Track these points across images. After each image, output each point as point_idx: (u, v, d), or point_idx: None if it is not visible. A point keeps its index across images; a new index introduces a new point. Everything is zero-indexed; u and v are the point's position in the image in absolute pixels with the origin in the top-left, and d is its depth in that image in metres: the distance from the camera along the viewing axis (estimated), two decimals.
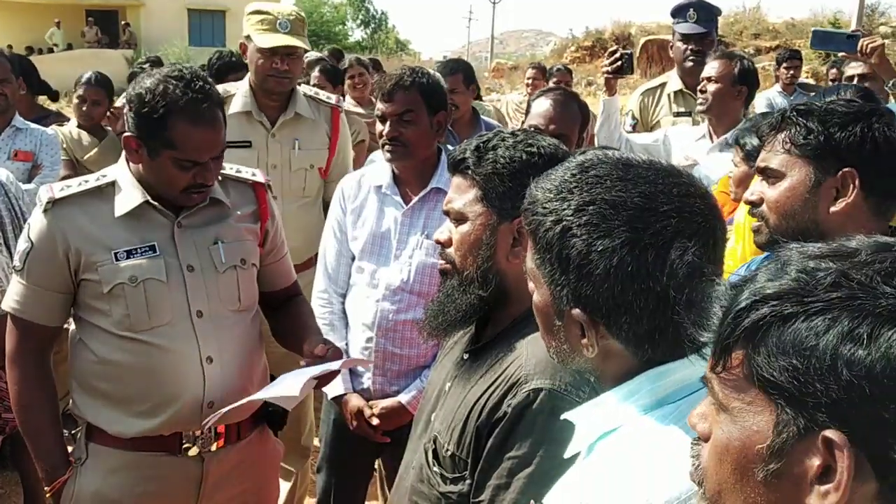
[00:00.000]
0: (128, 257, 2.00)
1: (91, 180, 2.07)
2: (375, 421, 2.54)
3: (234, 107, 3.24)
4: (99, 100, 4.67)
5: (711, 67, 3.39)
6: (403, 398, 2.55)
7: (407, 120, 2.50)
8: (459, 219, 1.59)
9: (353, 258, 2.67)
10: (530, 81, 7.11)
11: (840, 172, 1.63)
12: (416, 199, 2.56)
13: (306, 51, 3.38)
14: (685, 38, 3.82)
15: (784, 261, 0.77)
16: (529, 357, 1.44)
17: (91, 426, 2.10)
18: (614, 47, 3.53)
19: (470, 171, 1.58)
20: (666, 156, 3.48)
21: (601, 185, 1.12)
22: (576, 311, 1.12)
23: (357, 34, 50.18)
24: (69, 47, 28.59)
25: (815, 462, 0.71)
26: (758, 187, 1.75)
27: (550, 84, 6.33)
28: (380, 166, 2.71)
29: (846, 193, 1.64)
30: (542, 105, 2.73)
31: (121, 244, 2.01)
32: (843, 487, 0.70)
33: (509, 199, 1.53)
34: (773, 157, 1.71)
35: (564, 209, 1.12)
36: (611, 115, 3.51)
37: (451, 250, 1.61)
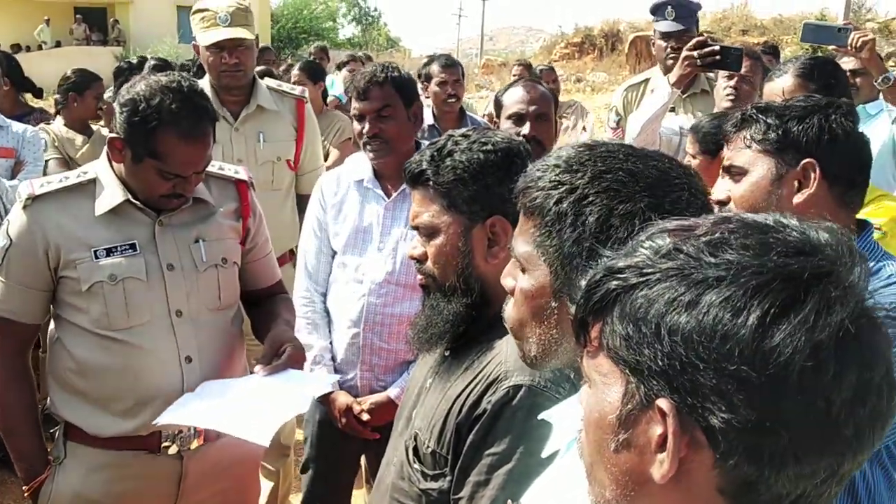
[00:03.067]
0: (107, 255, 1.99)
1: (72, 177, 2.06)
2: (365, 416, 2.53)
3: None
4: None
5: (747, 67, 3.29)
6: (392, 393, 2.55)
7: (385, 115, 2.51)
8: (431, 232, 1.58)
9: (334, 255, 2.66)
10: (516, 77, 7.11)
11: (801, 164, 1.64)
12: (397, 191, 2.56)
13: (256, 40, 3.34)
14: (665, 35, 3.79)
15: (642, 235, 0.79)
16: (509, 354, 1.43)
17: (69, 425, 2.09)
18: (702, 38, 3.15)
19: (431, 183, 1.56)
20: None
21: (614, 159, 1.12)
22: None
23: (348, 30, 50.13)
24: (58, 45, 28.42)
25: (658, 431, 0.72)
26: (724, 186, 1.76)
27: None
28: (359, 161, 2.71)
29: (808, 184, 1.65)
30: (516, 92, 2.70)
31: (101, 242, 2.00)
32: (671, 456, 0.71)
33: (476, 202, 1.53)
34: (737, 154, 1.72)
35: (578, 179, 1.11)
36: (667, 110, 3.25)
37: (428, 264, 1.59)
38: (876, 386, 0.69)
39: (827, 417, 0.68)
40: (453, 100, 4.30)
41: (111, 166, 2.05)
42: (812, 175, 1.64)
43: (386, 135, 2.51)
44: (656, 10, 3.83)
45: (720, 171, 1.82)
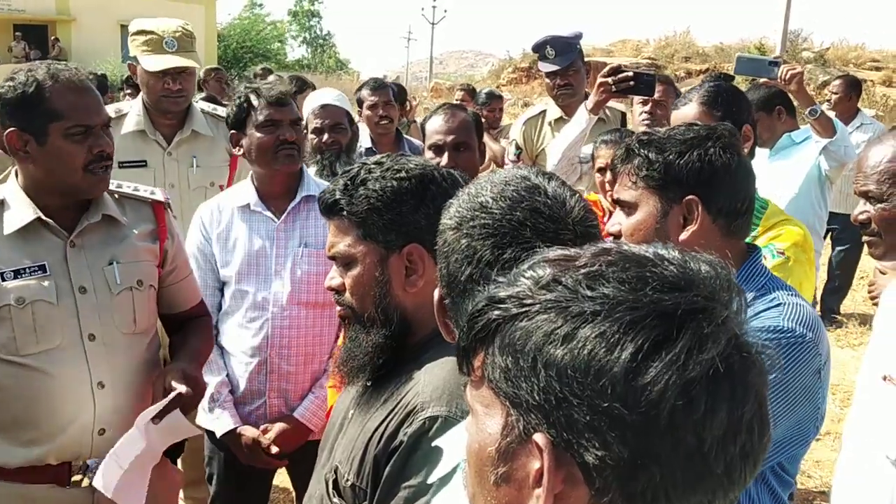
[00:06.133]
0: (15, 277, 1.93)
1: None
2: (275, 449, 2.49)
3: (128, 126, 3.17)
4: None
5: (660, 92, 3.42)
6: (298, 412, 2.53)
7: (297, 126, 2.58)
8: (348, 262, 1.55)
9: (222, 286, 2.62)
10: (459, 102, 7.12)
11: (684, 200, 1.66)
12: (285, 212, 2.58)
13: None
14: (550, 74, 3.87)
15: (525, 264, 0.79)
16: (426, 385, 1.42)
17: None
18: (616, 66, 3.26)
19: (345, 213, 1.53)
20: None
21: (481, 184, 1.24)
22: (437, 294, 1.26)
23: (298, 52, 50.01)
24: None
25: (535, 466, 0.71)
26: (617, 218, 1.78)
27: (484, 111, 6.41)
28: (238, 188, 2.70)
29: (693, 220, 1.67)
30: (436, 122, 2.73)
31: (8, 264, 1.93)
32: (546, 492, 0.70)
33: (392, 231, 1.50)
34: (624, 190, 1.74)
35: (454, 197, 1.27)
36: (586, 136, 3.32)
37: (346, 295, 1.57)
38: (747, 423, 0.69)
39: (698, 454, 0.68)
40: (386, 121, 4.28)
41: (19, 184, 1.99)
42: (696, 211, 1.66)
43: (298, 143, 2.57)
44: (537, 50, 3.91)
45: (613, 202, 1.84)
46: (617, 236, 1.75)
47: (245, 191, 2.64)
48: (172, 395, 1.94)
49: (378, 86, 4.42)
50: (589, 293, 0.71)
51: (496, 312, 0.75)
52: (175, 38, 3.14)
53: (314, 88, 4.90)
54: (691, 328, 0.68)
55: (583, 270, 0.73)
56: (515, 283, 0.76)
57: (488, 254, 1.16)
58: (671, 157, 1.66)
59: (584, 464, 0.68)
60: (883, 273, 2.83)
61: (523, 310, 0.73)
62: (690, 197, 1.65)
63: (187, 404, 2.04)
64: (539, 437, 0.70)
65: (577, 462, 0.69)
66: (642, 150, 1.69)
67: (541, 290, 0.73)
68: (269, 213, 2.58)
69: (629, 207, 1.72)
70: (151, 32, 3.17)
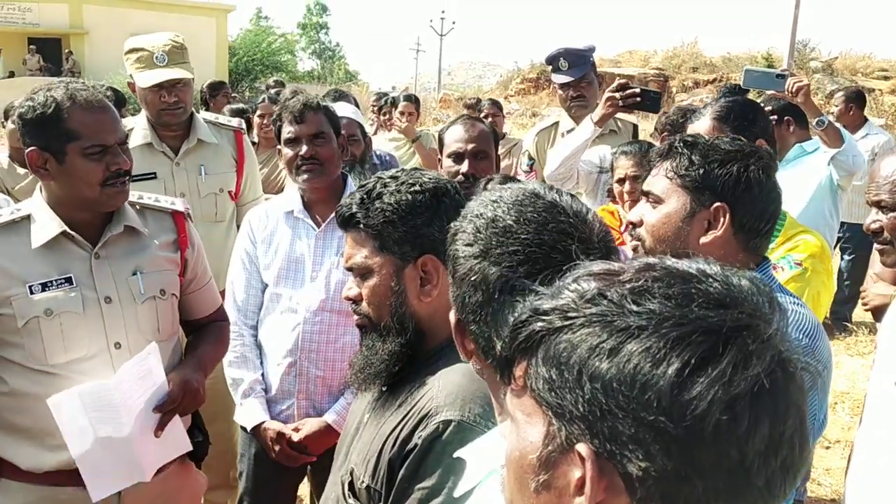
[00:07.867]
0: (43, 290, 1.98)
1: (5, 214, 2.06)
2: (296, 437, 2.53)
3: (135, 140, 3.21)
4: None
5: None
6: (329, 418, 2.57)
7: (321, 139, 2.58)
8: (364, 273, 1.60)
9: (264, 288, 2.69)
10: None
11: (713, 206, 1.70)
12: (327, 221, 2.62)
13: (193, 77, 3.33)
14: (563, 86, 3.92)
15: (568, 277, 0.80)
16: (440, 389, 1.46)
17: (2, 461, 2.05)
18: (624, 81, 3.33)
19: (362, 226, 1.59)
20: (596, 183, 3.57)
21: (494, 205, 1.19)
22: (454, 317, 1.19)
23: (308, 64, 50.23)
24: (11, 75, 28.00)
25: (577, 474, 0.72)
26: (640, 209, 1.82)
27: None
28: (287, 194, 2.76)
29: (717, 226, 1.71)
30: (456, 131, 2.79)
31: (36, 277, 1.98)
32: (588, 501, 0.71)
33: (407, 242, 1.56)
34: (657, 182, 1.78)
35: (461, 219, 1.21)
36: (588, 146, 3.38)
37: (363, 305, 1.61)
38: (788, 438, 0.71)
39: (740, 468, 0.69)
40: None
41: (44, 198, 2.05)
42: (722, 219, 1.70)
43: (321, 157, 2.58)
44: (551, 62, 3.96)
45: (640, 193, 1.87)
46: (637, 225, 1.80)
47: (292, 197, 2.71)
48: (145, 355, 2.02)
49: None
50: (635, 308, 0.72)
51: (540, 324, 0.76)
52: (165, 52, 3.19)
53: (355, 102, 4.89)
54: (737, 345, 0.69)
55: (628, 286, 0.74)
56: (559, 295, 0.77)
57: (524, 281, 1.14)
58: (713, 163, 1.71)
59: (627, 474, 0.70)
60: (875, 282, 2.85)
61: (567, 322, 0.74)
62: (720, 204, 1.70)
63: (183, 409, 2.10)
64: (582, 447, 0.71)
65: (620, 472, 0.70)
66: (686, 151, 1.73)
67: (586, 303, 0.74)
68: (310, 222, 2.65)
69: (657, 201, 1.77)
70: (142, 49, 3.22)
